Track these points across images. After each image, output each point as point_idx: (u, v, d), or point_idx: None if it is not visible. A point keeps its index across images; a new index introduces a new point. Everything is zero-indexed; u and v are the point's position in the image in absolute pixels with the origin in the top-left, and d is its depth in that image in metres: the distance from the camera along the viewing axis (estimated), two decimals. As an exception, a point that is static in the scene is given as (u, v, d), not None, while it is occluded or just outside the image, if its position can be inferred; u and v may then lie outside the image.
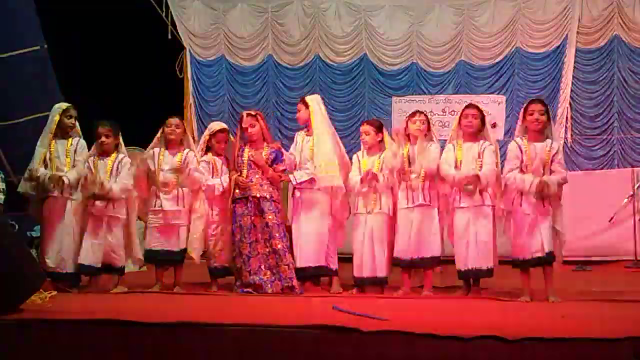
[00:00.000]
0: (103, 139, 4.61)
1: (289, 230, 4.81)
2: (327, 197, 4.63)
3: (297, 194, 4.73)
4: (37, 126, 4.85)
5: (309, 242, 4.59)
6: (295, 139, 4.87)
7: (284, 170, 4.64)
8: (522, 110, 4.31)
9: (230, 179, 4.63)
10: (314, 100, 4.76)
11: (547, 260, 4.11)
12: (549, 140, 4.20)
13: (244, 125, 4.65)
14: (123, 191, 4.56)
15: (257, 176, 4.58)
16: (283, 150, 4.75)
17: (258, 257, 4.51)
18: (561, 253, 4.21)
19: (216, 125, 4.95)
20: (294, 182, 4.65)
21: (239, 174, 4.61)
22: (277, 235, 4.50)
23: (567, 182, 4.20)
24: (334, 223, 4.68)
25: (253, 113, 4.73)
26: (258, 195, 4.54)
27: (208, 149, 4.86)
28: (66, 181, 4.53)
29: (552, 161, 4.15)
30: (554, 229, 4.14)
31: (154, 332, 3.09)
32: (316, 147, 4.59)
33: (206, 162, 4.79)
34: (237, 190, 4.59)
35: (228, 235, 4.63)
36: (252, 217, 4.54)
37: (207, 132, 4.92)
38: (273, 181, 4.62)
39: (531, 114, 4.18)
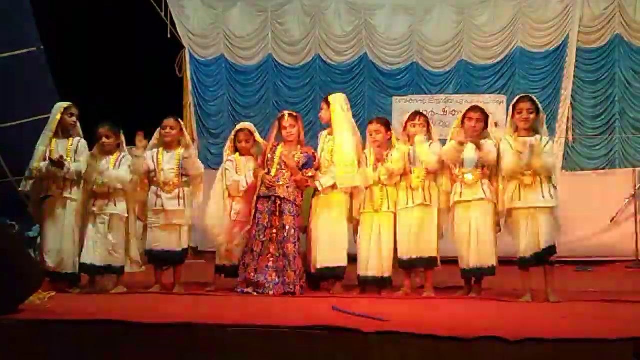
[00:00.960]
0: (104, 139, 4.62)
1: (305, 231, 4.78)
2: (347, 198, 4.60)
3: (318, 194, 4.67)
4: (35, 128, 4.84)
5: (328, 243, 4.55)
6: (318, 138, 4.84)
7: (312, 177, 4.62)
8: (511, 107, 4.32)
9: (256, 176, 4.62)
10: (337, 100, 4.70)
11: (547, 257, 4.11)
12: (538, 136, 4.21)
13: (284, 124, 4.63)
14: (119, 180, 4.53)
15: (284, 177, 4.57)
16: (316, 154, 4.71)
17: (267, 257, 4.50)
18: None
19: (239, 125, 4.95)
20: (320, 189, 4.61)
21: (266, 171, 4.59)
22: (291, 239, 4.50)
23: (553, 170, 4.21)
24: (351, 224, 4.65)
25: (294, 114, 4.71)
26: (282, 197, 4.53)
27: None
28: (67, 164, 4.52)
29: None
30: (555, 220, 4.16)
31: (153, 332, 3.09)
32: (337, 147, 4.56)
33: (231, 161, 4.80)
34: (262, 188, 4.57)
35: (247, 234, 4.60)
36: (271, 217, 4.53)
37: (232, 132, 4.93)
38: (299, 185, 4.60)
39: (520, 112, 4.22)
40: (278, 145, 4.66)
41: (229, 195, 4.74)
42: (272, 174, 4.58)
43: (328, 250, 4.55)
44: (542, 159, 4.09)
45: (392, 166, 4.46)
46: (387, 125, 4.65)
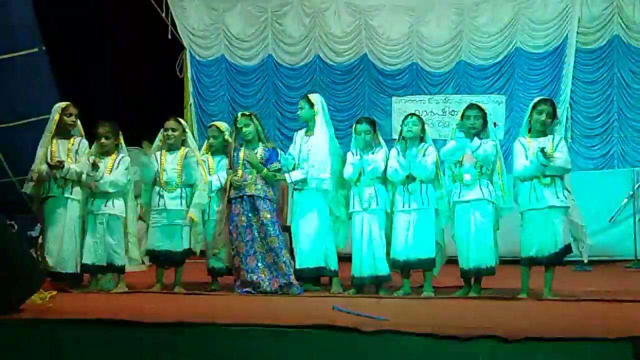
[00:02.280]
0: (103, 140, 4.63)
1: (287, 230, 4.81)
2: (327, 197, 4.62)
3: (296, 194, 4.72)
4: (36, 128, 4.86)
5: (308, 242, 4.58)
6: (293, 138, 4.86)
7: (279, 170, 4.65)
8: (531, 107, 4.35)
9: (227, 179, 4.66)
10: (318, 99, 4.73)
11: (563, 257, 4.19)
12: (550, 136, 4.29)
13: (238, 125, 4.67)
14: (112, 185, 4.55)
15: (251, 175, 4.60)
16: (279, 150, 4.76)
17: (255, 256, 4.53)
18: (583, 245, 4.32)
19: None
20: (289, 181, 4.66)
21: (234, 173, 4.63)
22: (272, 233, 4.52)
23: (569, 169, 4.28)
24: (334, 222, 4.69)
25: (247, 113, 4.76)
26: (253, 194, 4.56)
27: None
28: (66, 165, 4.54)
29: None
30: (572, 222, 4.24)
31: (154, 332, 3.10)
32: (313, 147, 4.59)
33: (204, 160, 4.83)
34: (232, 190, 4.61)
35: (226, 235, 4.64)
36: (248, 216, 4.55)
37: None
38: (268, 180, 4.62)
39: (540, 114, 4.25)
40: (240, 146, 4.70)
41: None
42: (239, 174, 4.61)
43: (307, 251, 4.57)
44: (554, 161, 4.14)
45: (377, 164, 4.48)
46: (374, 126, 4.68)
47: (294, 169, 4.69)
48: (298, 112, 4.80)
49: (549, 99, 4.42)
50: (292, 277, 4.48)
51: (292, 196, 4.79)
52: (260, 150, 4.65)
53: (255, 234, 4.54)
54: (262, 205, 4.55)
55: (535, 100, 4.37)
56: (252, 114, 4.77)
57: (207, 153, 4.91)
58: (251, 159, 4.59)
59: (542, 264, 4.21)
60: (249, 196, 4.56)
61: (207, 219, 4.77)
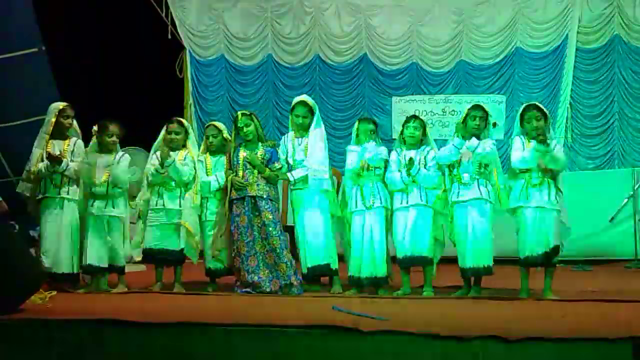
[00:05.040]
0: (114, 137, 4.64)
1: (287, 229, 4.80)
2: (328, 194, 4.62)
3: (296, 193, 4.70)
4: (36, 128, 4.87)
5: (316, 240, 4.58)
6: (283, 141, 4.81)
7: (280, 169, 4.64)
8: (518, 115, 4.36)
9: (226, 179, 4.64)
10: (313, 102, 4.75)
11: (552, 257, 4.17)
12: (547, 141, 4.26)
13: (239, 125, 4.66)
14: (119, 180, 4.56)
15: (252, 176, 4.58)
16: (279, 149, 4.74)
17: (256, 256, 4.52)
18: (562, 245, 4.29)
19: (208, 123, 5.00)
20: (292, 179, 4.64)
21: (234, 174, 4.61)
22: (274, 233, 4.51)
23: (564, 169, 4.33)
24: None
25: (247, 113, 4.75)
26: (254, 195, 4.55)
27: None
28: (65, 160, 4.55)
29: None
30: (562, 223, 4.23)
31: (153, 332, 3.11)
32: (311, 147, 4.60)
33: (200, 161, 4.81)
34: (233, 191, 4.59)
35: (227, 235, 4.63)
36: (249, 217, 4.54)
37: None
38: (270, 180, 4.61)
39: (529, 122, 4.26)
40: (239, 146, 4.68)
41: (201, 197, 4.72)
42: (240, 175, 4.59)
43: (317, 249, 4.57)
44: (554, 156, 4.17)
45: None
46: (377, 126, 4.70)
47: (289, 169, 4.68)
48: (299, 121, 4.68)
49: (533, 104, 4.40)
50: (293, 277, 4.48)
51: (290, 196, 4.77)
52: (261, 151, 4.63)
53: (256, 234, 4.53)
54: (264, 206, 4.54)
55: (521, 109, 4.39)
56: (252, 113, 4.76)
57: (205, 153, 4.88)
58: (253, 160, 4.58)
59: (535, 264, 4.22)
60: (250, 197, 4.55)
61: (205, 220, 4.73)
